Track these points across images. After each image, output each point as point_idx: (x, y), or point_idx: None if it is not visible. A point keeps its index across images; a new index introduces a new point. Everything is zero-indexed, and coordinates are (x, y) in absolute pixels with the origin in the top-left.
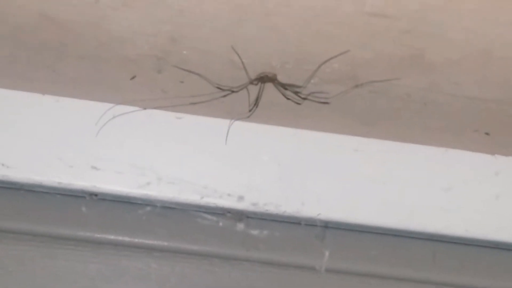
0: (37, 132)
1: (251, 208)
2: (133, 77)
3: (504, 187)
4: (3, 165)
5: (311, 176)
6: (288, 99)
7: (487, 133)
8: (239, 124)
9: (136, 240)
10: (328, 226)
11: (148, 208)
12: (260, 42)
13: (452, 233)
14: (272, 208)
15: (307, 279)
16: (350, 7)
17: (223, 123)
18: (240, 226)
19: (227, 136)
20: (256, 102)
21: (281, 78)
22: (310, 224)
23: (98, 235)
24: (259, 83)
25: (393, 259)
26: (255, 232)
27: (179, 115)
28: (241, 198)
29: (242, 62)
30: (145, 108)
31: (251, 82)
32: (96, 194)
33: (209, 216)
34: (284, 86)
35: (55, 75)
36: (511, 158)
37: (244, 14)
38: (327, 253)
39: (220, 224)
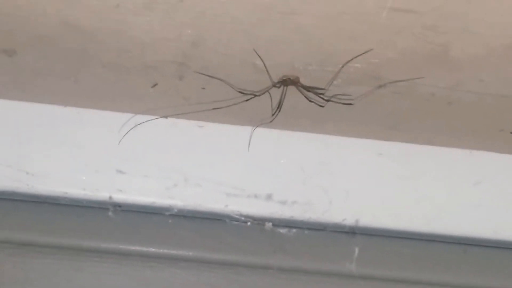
0: (60, 144)
1: (279, 208)
2: (154, 85)
3: None
4: (27, 173)
5: (336, 182)
6: (311, 101)
7: None
8: (261, 131)
9: (161, 250)
10: (355, 232)
11: (175, 210)
12: (282, 43)
13: (481, 236)
14: (298, 212)
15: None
16: (372, 3)
17: (246, 130)
18: (268, 224)
19: (249, 143)
20: (279, 106)
21: (304, 80)
22: (337, 229)
23: (123, 246)
24: (282, 86)
25: (423, 262)
26: (283, 231)
27: (201, 124)
28: (269, 196)
29: (265, 65)
30: (166, 117)
31: (274, 85)
32: (120, 205)
33: (236, 216)
34: (307, 89)
35: (77, 86)
36: None
37: (266, 14)
38: (357, 250)
39: (248, 224)
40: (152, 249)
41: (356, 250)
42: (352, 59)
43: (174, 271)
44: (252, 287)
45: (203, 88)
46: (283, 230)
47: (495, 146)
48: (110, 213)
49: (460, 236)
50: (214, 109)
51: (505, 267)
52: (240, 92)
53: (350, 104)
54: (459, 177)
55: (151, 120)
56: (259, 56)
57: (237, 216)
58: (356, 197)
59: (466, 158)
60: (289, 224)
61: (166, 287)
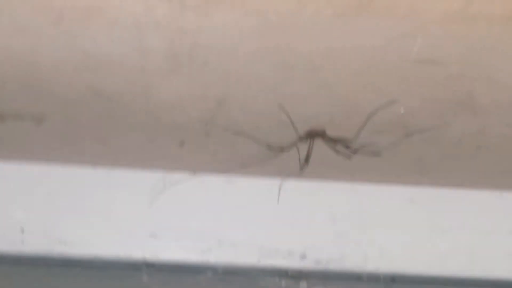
0: (91, 206)
1: (314, 266)
2: (182, 143)
3: None
4: (60, 241)
5: (369, 231)
6: (338, 153)
7: None
8: (291, 183)
9: None
10: (394, 281)
11: (209, 274)
12: (308, 98)
13: None
14: (333, 266)
15: None
16: (396, 55)
17: (275, 183)
18: (303, 284)
19: (278, 196)
20: (307, 159)
21: (330, 132)
22: (373, 280)
23: None
24: (308, 139)
25: None
26: None
27: (230, 178)
28: (303, 256)
29: (291, 120)
30: (195, 173)
31: (300, 139)
32: (153, 265)
33: (270, 278)
34: (334, 140)
35: (105, 147)
36: None
37: (291, 72)
38: None
39: (283, 283)
40: None
41: None
42: (376, 110)
43: None
44: None
45: (232, 145)
46: None
47: None
48: (145, 273)
49: (498, 280)
50: (242, 165)
51: None
52: (267, 147)
53: (378, 155)
54: (491, 218)
55: (180, 179)
56: (285, 112)
57: (270, 278)
58: (391, 245)
59: (498, 199)
60: (324, 281)
61: None
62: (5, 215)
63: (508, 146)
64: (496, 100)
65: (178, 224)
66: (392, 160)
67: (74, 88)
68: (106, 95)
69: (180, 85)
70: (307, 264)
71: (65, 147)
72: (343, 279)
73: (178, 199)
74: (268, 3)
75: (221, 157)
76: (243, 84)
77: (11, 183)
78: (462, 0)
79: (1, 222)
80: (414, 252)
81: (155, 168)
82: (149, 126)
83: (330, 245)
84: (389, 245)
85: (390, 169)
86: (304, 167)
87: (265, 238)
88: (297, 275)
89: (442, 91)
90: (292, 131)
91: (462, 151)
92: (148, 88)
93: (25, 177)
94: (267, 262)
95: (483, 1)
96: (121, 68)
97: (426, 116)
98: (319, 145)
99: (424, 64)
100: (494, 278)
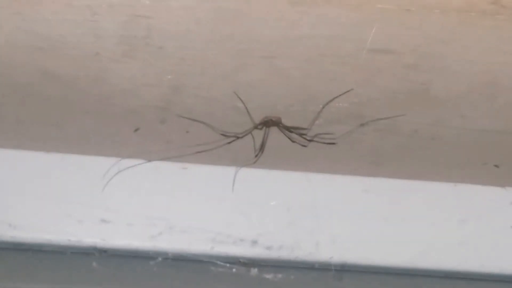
0: (44, 191)
1: (265, 253)
2: (136, 129)
3: None
4: (10, 225)
5: (322, 220)
6: (293, 142)
7: (496, 166)
8: (245, 171)
9: None
10: (343, 269)
11: (160, 259)
12: (263, 86)
13: (469, 269)
14: (285, 253)
15: None
16: (352, 44)
17: (230, 170)
18: (254, 271)
19: (233, 184)
20: (262, 147)
21: (286, 121)
22: (324, 268)
23: None
24: (264, 128)
25: None
26: (269, 276)
27: (185, 165)
28: (254, 242)
29: (246, 108)
30: (150, 161)
31: (255, 127)
32: (105, 251)
33: (222, 263)
34: (289, 129)
35: (59, 132)
36: None
37: (246, 59)
38: None
39: (234, 270)
40: None
41: (347, 285)
42: (332, 99)
43: None
44: None
45: (187, 132)
46: (268, 276)
47: (480, 179)
48: (96, 258)
49: (448, 271)
50: (197, 152)
51: None
52: (222, 134)
53: (333, 143)
54: (444, 210)
55: (134, 165)
56: (240, 99)
57: (222, 263)
58: (343, 235)
59: (451, 191)
60: (275, 268)
61: None
62: None
63: (463, 138)
64: (451, 92)
65: (130, 210)
66: (347, 150)
67: (27, 72)
68: (59, 79)
69: (135, 70)
70: (258, 251)
71: (18, 132)
72: (294, 267)
73: (131, 185)
74: None
75: (176, 144)
76: (198, 70)
77: None
78: None
79: None
80: (366, 242)
81: (109, 154)
82: (103, 111)
83: (282, 233)
84: (342, 234)
85: (345, 159)
86: (259, 156)
87: (218, 226)
88: (248, 262)
89: (397, 81)
90: (247, 119)
91: (417, 142)
92: (102, 73)
93: None
94: (220, 249)
95: None
96: (75, 51)
97: (381, 106)
98: (274, 133)
99: (379, 53)
100: (445, 268)
